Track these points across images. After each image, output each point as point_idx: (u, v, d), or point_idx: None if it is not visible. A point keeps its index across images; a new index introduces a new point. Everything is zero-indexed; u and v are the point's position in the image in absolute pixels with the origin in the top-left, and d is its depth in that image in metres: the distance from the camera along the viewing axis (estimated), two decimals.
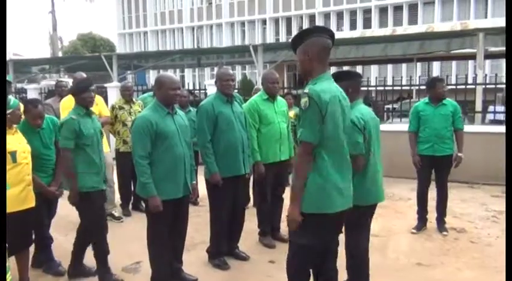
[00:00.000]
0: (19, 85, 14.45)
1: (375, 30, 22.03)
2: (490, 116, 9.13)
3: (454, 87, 8.33)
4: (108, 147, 5.76)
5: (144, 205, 3.71)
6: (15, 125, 3.31)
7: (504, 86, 7.83)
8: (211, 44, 35.33)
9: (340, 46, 12.35)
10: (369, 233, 3.27)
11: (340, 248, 2.91)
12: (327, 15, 31.70)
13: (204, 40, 36.32)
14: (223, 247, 4.02)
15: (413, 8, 28.55)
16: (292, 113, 5.71)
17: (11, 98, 3.22)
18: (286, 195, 3.51)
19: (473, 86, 8.18)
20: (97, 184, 3.58)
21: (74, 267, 3.74)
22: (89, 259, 3.77)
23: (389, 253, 4.28)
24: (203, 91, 9.67)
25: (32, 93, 11.25)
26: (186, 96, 5.74)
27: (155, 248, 3.42)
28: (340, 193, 2.51)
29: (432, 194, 4.90)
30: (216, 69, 21.79)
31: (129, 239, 4.47)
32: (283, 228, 4.17)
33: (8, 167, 3.08)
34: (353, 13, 30.68)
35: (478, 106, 8.02)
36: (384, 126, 7.94)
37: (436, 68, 24.86)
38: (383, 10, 29.74)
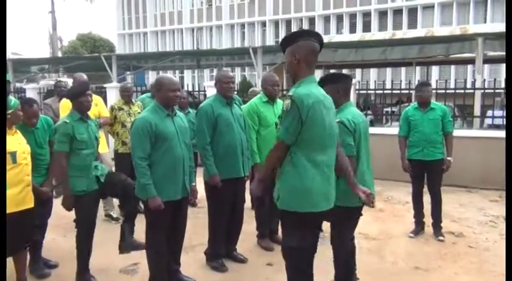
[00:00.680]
0: (18, 85, 14.42)
1: (375, 34, 22.05)
2: (488, 121, 9.16)
3: (452, 91, 8.37)
4: (107, 148, 5.76)
5: (142, 206, 3.71)
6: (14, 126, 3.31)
7: (503, 91, 7.87)
8: (210, 45, 35.33)
9: (340, 49, 12.35)
10: (353, 233, 3.32)
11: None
12: (326, 18, 31.75)
13: (204, 42, 36.33)
14: (222, 249, 4.02)
15: (412, 12, 28.60)
16: None
17: (12, 99, 3.22)
18: None
19: (472, 91, 8.20)
20: (87, 187, 3.56)
21: (81, 274, 3.70)
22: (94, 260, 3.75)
23: (387, 256, 4.29)
24: (202, 93, 9.67)
25: (31, 93, 11.21)
26: (185, 97, 5.74)
27: (153, 249, 3.41)
28: (323, 194, 2.61)
29: (428, 198, 4.91)
30: (215, 70, 21.81)
31: None
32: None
33: (7, 167, 3.08)
34: (353, 16, 30.73)
35: (477, 111, 8.04)
36: (382, 130, 8.03)
37: (435, 72, 24.89)
38: (383, 14, 29.79)
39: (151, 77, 26.45)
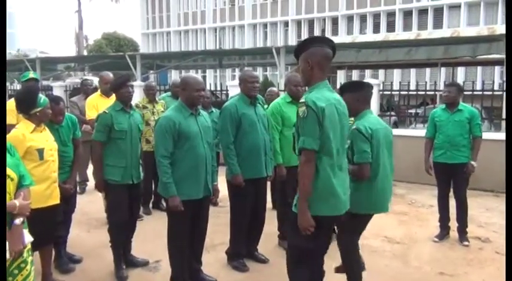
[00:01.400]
0: (45, 82, 14.73)
1: (399, 34, 21.79)
2: None
3: (479, 93, 8.17)
4: None
5: (164, 204, 3.75)
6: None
7: None
8: (233, 45, 35.46)
9: (363, 49, 12.23)
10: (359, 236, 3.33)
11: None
12: (350, 18, 31.49)
13: (226, 41, 36.49)
14: (243, 248, 4.01)
15: (438, 11, 28.11)
16: None
17: (41, 97, 3.28)
18: None
19: (500, 93, 8.00)
20: (121, 178, 3.69)
21: (117, 269, 3.78)
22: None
23: (411, 261, 4.20)
24: (224, 92, 9.69)
25: (57, 90, 11.45)
26: (208, 97, 5.75)
27: (175, 248, 3.43)
28: (337, 197, 2.60)
29: (454, 202, 4.79)
30: (237, 70, 21.88)
31: (149, 238, 4.50)
32: None
33: (34, 164, 3.14)
34: (377, 16, 30.39)
35: (504, 113, 7.83)
36: (407, 132, 7.91)
37: (460, 73, 24.42)
38: (407, 13, 29.37)
39: (174, 76, 26.72)
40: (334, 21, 31.97)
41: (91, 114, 5.31)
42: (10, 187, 2.34)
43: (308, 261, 2.71)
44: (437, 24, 27.33)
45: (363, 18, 31.05)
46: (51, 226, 3.31)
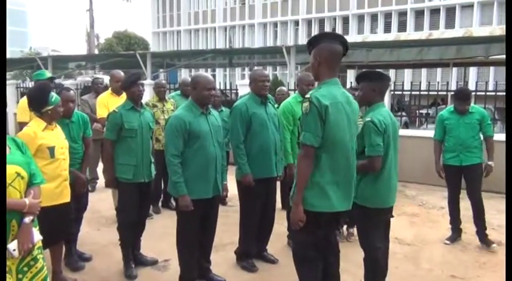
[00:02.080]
0: (56, 81, 14.84)
1: (410, 34, 21.62)
2: None
3: (493, 93, 8.06)
4: None
5: (174, 203, 3.74)
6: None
7: None
8: (243, 44, 35.43)
9: (374, 49, 12.14)
10: (384, 234, 3.24)
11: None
12: (360, 17, 31.29)
13: (236, 40, 36.48)
14: (252, 248, 3.99)
15: (450, 11, 27.81)
16: None
17: (53, 95, 3.29)
18: None
19: None
20: (132, 176, 3.70)
21: (126, 268, 3.79)
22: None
23: (422, 263, 4.16)
24: (234, 91, 9.68)
25: None
26: (219, 96, 5.75)
27: (184, 247, 3.43)
28: (336, 195, 2.62)
29: (465, 204, 4.74)
30: (247, 69, 21.88)
31: (158, 237, 4.51)
32: None
33: (45, 162, 3.14)
34: (388, 15, 30.16)
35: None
36: (418, 132, 7.83)
37: (472, 74, 24.15)
38: (419, 13, 29.10)
39: (183, 75, 26.77)
40: (345, 20, 31.79)
41: (101, 112, 5.33)
42: (21, 185, 2.34)
43: (311, 257, 2.73)
44: (450, 24, 27.05)
45: (374, 17, 30.82)
46: (61, 224, 3.31)
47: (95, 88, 6.57)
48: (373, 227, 3.12)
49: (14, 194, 2.29)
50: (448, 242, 4.65)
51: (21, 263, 2.35)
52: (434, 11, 28.41)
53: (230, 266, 3.98)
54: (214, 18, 37.60)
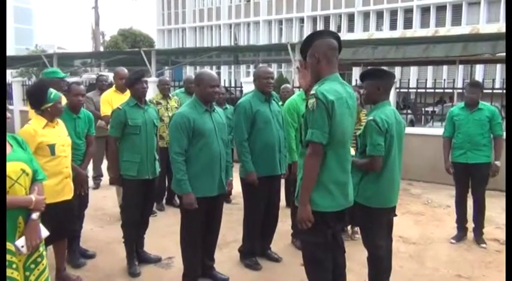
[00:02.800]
0: None
1: (416, 31, 21.48)
2: None
3: (499, 91, 7.99)
4: None
5: (178, 200, 3.73)
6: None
7: None
8: (248, 41, 35.40)
9: (379, 46, 12.07)
10: (387, 233, 3.23)
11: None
12: (366, 15, 31.15)
13: (241, 37, 36.44)
14: (256, 247, 3.97)
15: (457, 8, 27.62)
16: None
17: (52, 91, 3.26)
18: None
19: None
20: (137, 173, 3.70)
21: (130, 265, 3.79)
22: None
23: (427, 262, 4.12)
24: (239, 89, 9.66)
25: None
26: (223, 93, 5.73)
27: (188, 244, 3.42)
28: (342, 193, 2.59)
29: (472, 202, 4.69)
30: (252, 66, 21.84)
31: (162, 234, 4.50)
32: None
33: (46, 159, 3.14)
34: (393, 13, 30.01)
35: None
36: (424, 130, 7.78)
37: (479, 71, 23.98)
38: (425, 10, 28.93)
39: (188, 72, 26.76)
40: (351, 17, 31.67)
41: (105, 110, 5.33)
42: (26, 181, 2.34)
43: (322, 259, 2.67)
44: (456, 21, 26.88)
45: (379, 14, 30.67)
46: (63, 221, 3.29)
47: (99, 85, 6.57)
48: (375, 226, 3.09)
49: (20, 191, 2.29)
50: (453, 241, 4.61)
51: (28, 260, 2.35)
52: (441, 8, 28.22)
53: (234, 264, 3.96)
54: (219, 15, 37.57)
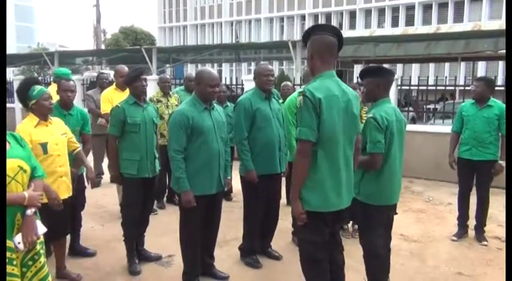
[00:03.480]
0: None
1: (418, 28, 21.42)
2: None
3: (502, 88, 7.96)
4: None
5: (178, 198, 3.72)
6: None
7: None
8: (249, 39, 35.35)
9: (381, 43, 12.03)
10: (386, 232, 3.20)
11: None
12: (368, 12, 31.07)
13: (243, 35, 36.39)
14: (256, 244, 3.97)
15: (459, 5, 27.52)
16: None
17: (35, 88, 3.16)
18: None
19: None
20: (137, 172, 3.68)
21: (130, 263, 3.79)
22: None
23: (428, 260, 4.11)
24: (240, 86, 9.64)
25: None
26: (224, 91, 5.71)
27: (187, 243, 3.41)
28: (336, 192, 2.55)
29: (474, 200, 4.67)
30: (253, 64, 21.79)
31: (162, 232, 4.50)
32: None
33: (39, 158, 3.06)
34: (395, 10, 29.92)
35: None
36: (426, 128, 7.75)
37: (481, 68, 23.90)
38: (427, 7, 28.83)
39: (190, 70, 26.74)
40: (352, 14, 31.59)
41: (106, 107, 5.32)
42: (23, 178, 2.33)
43: (320, 258, 2.66)
44: (458, 18, 26.79)
45: (381, 11, 30.59)
46: (59, 220, 3.25)
47: (100, 83, 6.57)
48: (374, 224, 3.07)
49: (17, 188, 2.29)
50: (455, 238, 4.60)
51: (25, 257, 2.35)
52: (443, 5, 28.13)
53: (234, 262, 3.96)
54: (220, 13, 37.52)
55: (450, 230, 4.78)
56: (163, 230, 4.57)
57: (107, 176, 5.31)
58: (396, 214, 3.28)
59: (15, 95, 12.72)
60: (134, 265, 3.76)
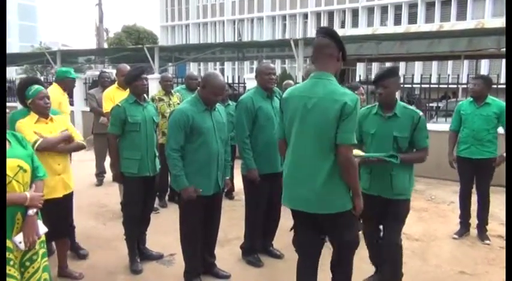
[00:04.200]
0: None
1: (421, 26, 21.34)
2: None
3: (505, 86, 7.93)
4: None
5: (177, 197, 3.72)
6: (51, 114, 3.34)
7: None
8: (251, 37, 35.32)
9: (383, 41, 12.01)
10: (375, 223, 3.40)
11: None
12: (370, 10, 30.99)
13: (245, 33, 36.36)
14: (258, 243, 3.97)
15: (462, 2, 27.41)
16: None
17: (32, 88, 3.22)
18: None
19: None
20: (137, 170, 3.69)
21: (132, 262, 3.80)
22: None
23: (430, 259, 4.10)
24: (242, 85, 9.63)
25: (77, 83, 11.55)
26: (226, 90, 5.69)
27: (187, 241, 3.42)
28: (289, 187, 2.68)
29: (476, 198, 4.66)
30: (255, 63, 21.75)
31: (164, 231, 4.50)
32: None
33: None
34: (398, 7, 29.83)
35: None
36: (428, 126, 7.62)
37: (484, 66, 23.82)
38: (430, 5, 28.73)
39: (192, 69, 26.74)
40: (355, 13, 31.51)
41: (107, 106, 5.32)
42: (24, 178, 2.34)
43: (298, 253, 2.83)
44: (461, 16, 26.69)
45: (384, 9, 30.50)
46: (59, 218, 3.25)
47: (102, 82, 6.58)
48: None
49: (17, 188, 2.30)
50: (456, 236, 4.59)
51: (23, 257, 2.35)
52: (446, 3, 28.03)
53: (236, 261, 3.96)
54: (222, 11, 37.50)
55: (452, 229, 4.77)
56: (165, 228, 4.56)
57: (109, 175, 5.32)
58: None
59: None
60: (136, 263, 3.76)
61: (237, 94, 8.35)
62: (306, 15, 33.62)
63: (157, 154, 3.92)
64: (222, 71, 32.22)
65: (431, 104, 11.28)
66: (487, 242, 4.46)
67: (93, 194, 6.04)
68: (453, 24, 19.06)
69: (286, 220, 4.40)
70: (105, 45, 32.84)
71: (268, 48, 15.20)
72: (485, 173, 4.52)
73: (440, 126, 7.27)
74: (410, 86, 8.84)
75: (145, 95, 3.92)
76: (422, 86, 8.89)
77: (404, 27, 20.60)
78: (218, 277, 3.61)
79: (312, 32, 32.09)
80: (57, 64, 13.53)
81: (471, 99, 4.60)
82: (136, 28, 40.09)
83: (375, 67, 26.27)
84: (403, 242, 4.41)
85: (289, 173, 2.64)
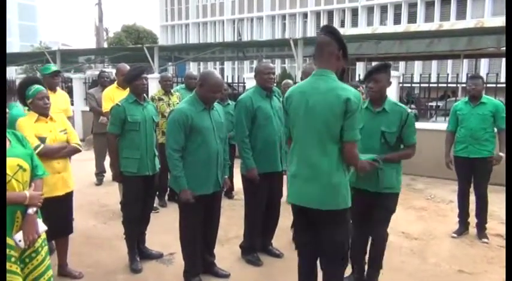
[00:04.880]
0: (66, 74, 14.92)
1: (421, 25, 21.32)
2: None
3: (504, 85, 7.93)
4: None
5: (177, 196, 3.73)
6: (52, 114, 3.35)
7: None
8: (251, 37, 35.33)
9: (383, 41, 12.01)
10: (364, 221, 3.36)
11: None
12: (370, 9, 30.99)
13: (245, 33, 36.37)
14: (257, 242, 3.97)
15: (462, 1, 27.41)
16: None
17: (32, 88, 3.25)
18: None
19: None
20: (137, 170, 3.70)
21: (131, 261, 3.81)
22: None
23: (429, 257, 4.11)
24: (242, 84, 9.65)
25: (77, 82, 11.59)
26: (225, 89, 5.71)
27: (187, 241, 3.42)
28: (295, 185, 2.65)
29: (474, 197, 4.67)
30: (255, 62, 21.76)
31: (164, 230, 4.51)
32: None
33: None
34: (398, 7, 29.83)
35: None
36: (428, 125, 7.73)
37: (484, 65, 23.82)
38: (429, 4, 28.73)
39: (192, 68, 26.73)
40: (354, 12, 31.51)
41: (107, 106, 5.32)
42: (23, 177, 2.35)
43: (299, 252, 2.88)
44: (461, 15, 26.69)
45: (383, 9, 30.51)
46: (59, 217, 3.26)
47: (102, 82, 6.59)
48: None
49: (16, 186, 2.31)
50: (455, 235, 4.60)
51: (22, 255, 2.37)
52: (445, 2, 28.03)
53: (235, 260, 3.97)
54: (222, 11, 37.50)
55: (451, 228, 4.78)
56: (165, 228, 4.57)
57: (109, 175, 5.33)
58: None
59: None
60: (135, 262, 3.77)
61: (237, 94, 8.35)
62: (305, 15, 33.61)
63: (156, 154, 3.92)
64: (222, 70, 32.22)
65: (430, 103, 11.30)
66: (486, 241, 4.47)
67: (93, 194, 6.05)
68: (453, 24, 19.05)
69: (285, 219, 4.42)
70: (105, 45, 32.82)
71: (268, 48, 15.23)
72: (482, 172, 4.54)
73: (439, 125, 7.28)
74: (409, 85, 8.84)
75: (145, 95, 3.92)
76: (422, 85, 8.92)
77: (403, 27, 20.59)
78: (218, 276, 3.61)
79: (311, 32, 32.14)
80: (57, 64, 13.55)
81: (466, 99, 4.63)
82: (136, 28, 40.08)
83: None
84: (403, 241, 4.45)
85: (295, 170, 2.63)
